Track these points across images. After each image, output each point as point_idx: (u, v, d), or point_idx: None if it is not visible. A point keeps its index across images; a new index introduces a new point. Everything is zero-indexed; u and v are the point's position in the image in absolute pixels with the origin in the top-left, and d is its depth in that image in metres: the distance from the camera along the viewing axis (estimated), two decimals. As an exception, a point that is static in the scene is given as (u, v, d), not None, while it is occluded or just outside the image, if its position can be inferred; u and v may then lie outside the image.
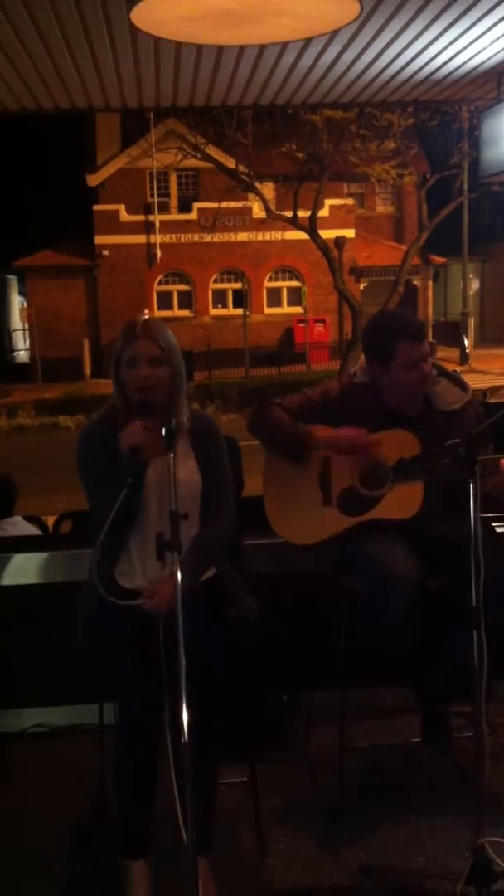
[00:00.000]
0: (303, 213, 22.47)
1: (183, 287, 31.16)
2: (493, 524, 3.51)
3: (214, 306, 31.32)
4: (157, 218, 30.28)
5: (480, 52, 4.88)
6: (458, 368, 24.06)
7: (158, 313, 29.46)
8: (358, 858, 3.14)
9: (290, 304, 31.28)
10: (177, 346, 2.95)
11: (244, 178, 22.76)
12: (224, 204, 24.81)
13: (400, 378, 3.36)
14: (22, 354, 32.47)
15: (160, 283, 31.03)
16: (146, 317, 2.95)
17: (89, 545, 2.86)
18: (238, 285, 30.66)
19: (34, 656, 4.03)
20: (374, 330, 3.52)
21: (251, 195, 24.30)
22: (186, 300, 31.23)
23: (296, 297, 30.91)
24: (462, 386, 3.49)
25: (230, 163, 23.12)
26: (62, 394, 24.84)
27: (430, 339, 30.13)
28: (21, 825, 3.47)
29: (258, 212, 27.23)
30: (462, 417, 3.36)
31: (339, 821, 3.37)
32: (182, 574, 2.56)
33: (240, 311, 29.45)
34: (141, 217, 30.28)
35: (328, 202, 27.80)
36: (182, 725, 2.47)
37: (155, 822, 2.97)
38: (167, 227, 30.48)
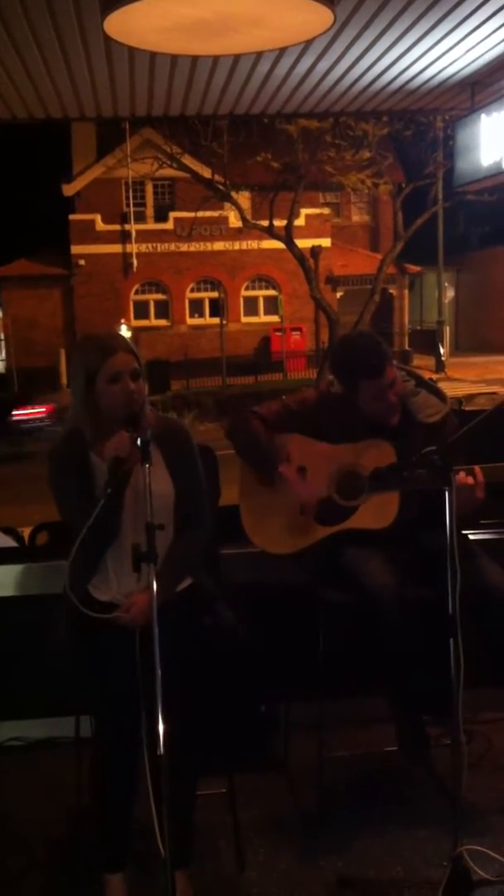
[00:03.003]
0: (279, 223, 22.56)
1: (160, 296, 31.15)
2: (465, 532, 3.51)
3: (191, 315, 31.32)
4: (134, 227, 30.27)
5: (454, 62, 4.91)
6: (435, 377, 24.15)
7: (135, 322, 29.46)
8: (336, 869, 3.13)
9: (266, 313, 31.33)
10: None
11: (220, 187, 22.82)
12: (200, 213, 24.87)
13: (366, 407, 3.37)
14: (-2, 364, 32.38)
15: (137, 292, 31.01)
16: (123, 328, 2.93)
17: (66, 557, 2.84)
18: (215, 294, 30.68)
19: (10, 669, 3.99)
20: (336, 365, 3.51)
21: (227, 205, 24.36)
22: (163, 309, 31.22)
23: (272, 306, 30.97)
24: (441, 398, 3.49)
25: (206, 172, 23.17)
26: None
27: (407, 348, 30.31)
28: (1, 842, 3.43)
29: (234, 221, 27.28)
30: (441, 430, 3.35)
31: (317, 831, 3.36)
32: (158, 585, 2.54)
33: (216, 321, 29.45)
34: (117, 227, 30.26)
35: (304, 211, 27.89)
36: (158, 738, 2.46)
37: (133, 836, 2.96)
38: (143, 236, 30.47)
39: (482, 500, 3.16)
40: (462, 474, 3.11)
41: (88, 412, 2.84)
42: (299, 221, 25.78)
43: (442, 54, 4.77)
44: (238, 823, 3.31)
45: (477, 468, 3.15)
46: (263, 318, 31.31)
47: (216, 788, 3.35)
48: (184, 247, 30.00)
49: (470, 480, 3.14)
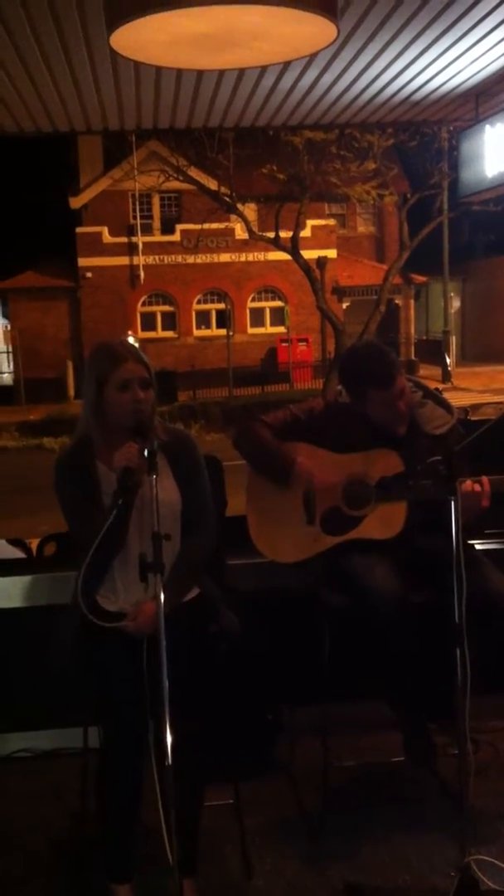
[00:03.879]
0: (285, 234, 22.61)
1: (166, 308, 31.21)
2: (470, 541, 3.52)
3: (198, 327, 31.38)
4: (140, 239, 30.36)
5: (458, 73, 4.93)
6: (441, 386, 24.15)
7: (142, 334, 29.52)
8: (343, 877, 3.13)
9: (273, 323, 31.37)
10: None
11: (226, 199, 22.89)
12: (207, 225, 24.95)
13: (376, 416, 3.38)
14: (6, 377, 32.37)
15: (144, 304, 31.08)
16: (130, 338, 2.94)
17: (73, 568, 2.86)
18: (221, 306, 30.73)
19: (18, 680, 4.01)
20: (344, 374, 3.52)
21: (233, 216, 24.41)
22: (170, 321, 31.28)
23: (279, 316, 31.01)
24: (448, 409, 3.50)
25: (212, 184, 23.25)
26: (46, 415, 24.75)
27: (413, 358, 30.31)
28: (5, 849, 3.44)
29: (240, 233, 27.34)
30: (447, 441, 3.36)
31: (323, 838, 3.36)
32: (165, 595, 2.56)
33: (223, 332, 29.49)
34: (124, 239, 30.35)
35: (310, 223, 27.95)
36: (166, 747, 2.47)
37: (140, 845, 2.96)
38: (150, 248, 30.56)
39: (487, 509, 3.18)
40: (469, 482, 3.12)
41: (98, 420, 2.87)
42: (305, 232, 25.84)
43: (446, 66, 4.79)
44: (244, 830, 3.31)
45: (484, 478, 3.17)
46: (270, 328, 31.35)
47: (222, 798, 3.35)
48: (190, 258, 30.08)
49: (477, 488, 3.15)
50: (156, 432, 2.86)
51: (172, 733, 2.47)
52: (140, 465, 2.71)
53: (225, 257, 30.67)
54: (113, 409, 2.84)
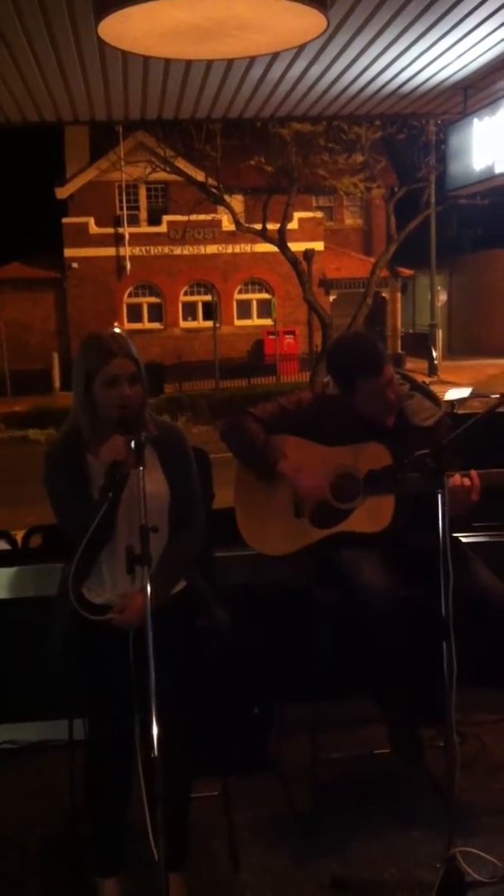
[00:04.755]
0: (272, 226, 22.55)
1: (153, 299, 31.13)
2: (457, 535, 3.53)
3: (184, 318, 31.31)
4: (127, 230, 30.25)
5: (446, 66, 4.93)
6: (427, 380, 24.16)
7: (128, 325, 29.42)
8: (330, 871, 3.14)
9: (259, 316, 31.33)
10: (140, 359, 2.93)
11: (213, 190, 22.81)
12: (194, 216, 24.86)
13: (364, 406, 3.37)
14: (-9, 368, 32.30)
15: (130, 295, 30.99)
16: (115, 330, 2.91)
17: (59, 559, 2.84)
18: (208, 297, 30.67)
19: (3, 672, 3.99)
20: (333, 364, 3.51)
21: (220, 208, 24.33)
22: (156, 312, 31.20)
23: (266, 309, 30.96)
24: (435, 401, 3.51)
25: (199, 176, 23.17)
26: (32, 407, 24.66)
27: (399, 351, 30.34)
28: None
29: (228, 224, 27.25)
30: (435, 433, 3.36)
31: (311, 833, 3.37)
32: (152, 587, 2.55)
33: (210, 324, 29.44)
34: (110, 230, 30.22)
35: (297, 215, 27.90)
36: (153, 740, 2.46)
37: (127, 839, 2.96)
38: (137, 239, 30.46)
39: (476, 503, 3.18)
40: (457, 476, 3.12)
41: (87, 413, 2.86)
42: (292, 225, 25.80)
43: (434, 59, 4.78)
44: (232, 825, 3.32)
45: (473, 472, 3.17)
46: (256, 321, 31.31)
47: (210, 790, 3.35)
48: (177, 250, 29.98)
49: (466, 482, 3.15)
50: (145, 425, 2.85)
51: (159, 726, 2.46)
52: (127, 458, 2.70)
53: (212, 249, 30.60)
54: (101, 403, 2.83)
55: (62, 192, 30.06)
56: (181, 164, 23.48)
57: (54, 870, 3.25)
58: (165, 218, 30.20)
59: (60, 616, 2.87)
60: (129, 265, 30.38)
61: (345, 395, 3.41)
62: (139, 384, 2.84)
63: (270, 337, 29.59)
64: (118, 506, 2.78)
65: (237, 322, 31.32)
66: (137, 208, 30.80)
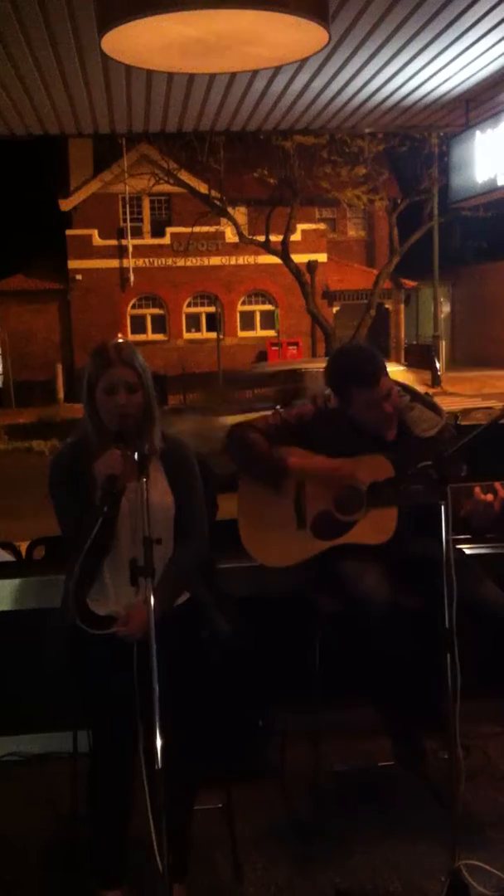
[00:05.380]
0: (275, 238, 22.61)
1: (156, 311, 31.18)
2: (460, 546, 3.53)
3: (188, 330, 31.35)
4: (131, 242, 30.32)
5: (448, 79, 4.95)
6: (431, 391, 24.16)
7: (132, 337, 29.46)
8: (333, 883, 3.13)
9: (263, 327, 31.37)
10: (148, 370, 2.94)
11: (217, 202, 22.90)
12: (197, 228, 24.93)
13: (361, 418, 3.38)
14: (-5, 379, 32.36)
15: (134, 306, 31.05)
16: (119, 341, 2.94)
17: (63, 571, 2.85)
18: (211, 309, 30.72)
19: (7, 684, 3.99)
20: (330, 375, 3.52)
21: (224, 220, 24.43)
22: (160, 324, 31.25)
23: (269, 320, 31.01)
24: (437, 411, 3.51)
25: (203, 188, 23.26)
26: (36, 418, 24.68)
27: (403, 362, 30.33)
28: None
29: (231, 236, 27.36)
30: (437, 443, 3.36)
31: (314, 844, 3.36)
32: (156, 599, 2.55)
33: (213, 335, 29.47)
34: (114, 241, 30.31)
35: (300, 227, 27.96)
36: (156, 752, 2.46)
37: (130, 850, 2.95)
38: (140, 251, 30.53)
39: (498, 513, 3.19)
40: (479, 489, 3.14)
41: (92, 422, 2.88)
42: (295, 236, 25.84)
43: (436, 72, 4.80)
44: (235, 836, 3.31)
45: (497, 484, 3.18)
46: (260, 332, 31.35)
47: (213, 802, 3.35)
48: (181, 262, 30.05)
49: (489, 497, 3.16)
50: (151, 436, 2.86)
51: (163, 738, 2.46)
52: (123, 471, 2.71)
53: (215, 260, 30.66)
54: (102, 411, 2.85)
55: (66, 204, 30.15)
56: (184, 176, 23.57)
57: (56, 881, 3.24)
58: (169, 230, 30.27)
59: (63, 628, 2.88)
60: (132, 277, 30.44)
61: (343, 406, 3.42)
62: (139, 393, 2.85)
63: (274, 348, 29.62)
64: (116, 518, 2.79)
65: (241, 333, 31.36)
66: (141, 220, 30.88)
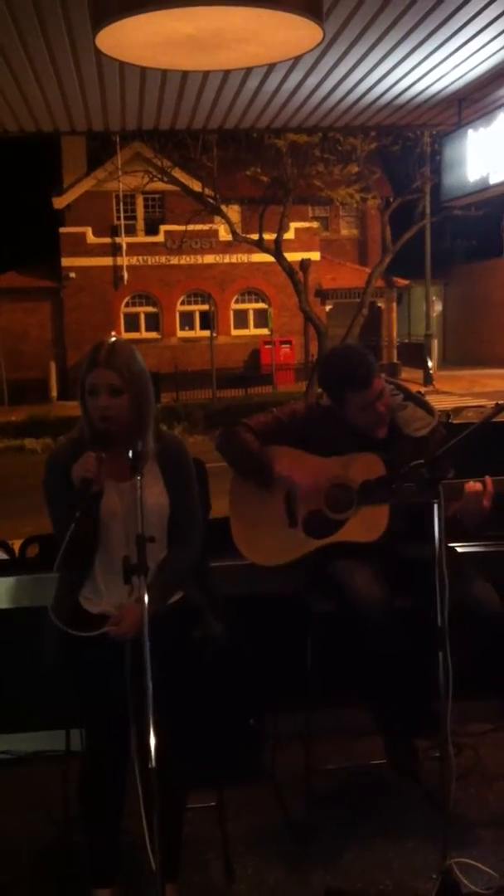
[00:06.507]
0: (268, 236, 22.61)
1: (150, 309, 31.17)
2: (453, 545, 3.53)
3: (181, 328, 31.35)
4: (124, 240, 30.30)
5: (441, 78, 4.95)
6: (423, 389, 24.22)
7: (126, 335, 29.44)
8: (324, 883, 3.13)
9: (256, 325, 31.38)
10: (142, 372, 2.89)
11: (210, 201, 22.89)
12: (190, 227, 24.92)
13: (354, 419, 3.38)
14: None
15: (127, 304, 31.03)
16: (113, 340, 2.92)
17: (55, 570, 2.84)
18: (205, 307, 30.73)
19: (0, 682, 3.98)
20: (324, 378, 3.53)
21: (217, 218, 24.42)
22: (153, 322, 31.23)
23: (262, 318, 31.02)
24: (429, 410, 3.51)
25: (196, 186, 23.24)
26: (28, 416, 24.66)
27: (395, 361, 30.38)
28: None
29: (224, 234, 27.35)
30: (429, 443, 3.37)
31: (306, 844, 3.36)
32: (149, 598, 2.55)
33: (206, 333, 29.49)
34: (107, 239, 30.28)
35: (293, 225, 27.98)
36: (149, 750, 2.46)
37: (122, 850, 2.95)
38: (134, 249, 30.51)
39: (488, 509, 3.18)
40: (471, 482, 3.14)
41: (86, 421, 2.87)
42: (289, 235, 25.86)
43: (429, 70, 4.81)
44: (227, 836, 3.30)
45: (488, 479, 3.18)
46: (253, 330, 31.36)
47: (205, 801, 3.34)
48: (174, 260, 30.05)
49: (479, 487, 3.16)
50: (144, 439, 2.85)
51: (155, 737, 2.46)
52: (97, 474, 2.70)
53: (209, 259, 30.66)
54: (88, 412, 2.86)
55: (59, 202, 30.12)
56: (178, 174, 23.57)
57: (48, 880, 3.23)
58: (162, 228, 30.27)
59: (54, 626, 2.87)
60: (126, 275, 30.42)
61: (337, 407, 3.42)
62: (124, 396, 2.83)
63: (267, 347, 29.64)
64: (96, 522, 2.78)
65: (234, 332, 31.38)
66: (135, 218, 30.87)
